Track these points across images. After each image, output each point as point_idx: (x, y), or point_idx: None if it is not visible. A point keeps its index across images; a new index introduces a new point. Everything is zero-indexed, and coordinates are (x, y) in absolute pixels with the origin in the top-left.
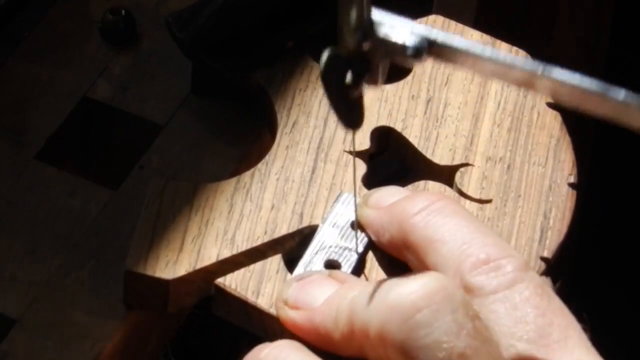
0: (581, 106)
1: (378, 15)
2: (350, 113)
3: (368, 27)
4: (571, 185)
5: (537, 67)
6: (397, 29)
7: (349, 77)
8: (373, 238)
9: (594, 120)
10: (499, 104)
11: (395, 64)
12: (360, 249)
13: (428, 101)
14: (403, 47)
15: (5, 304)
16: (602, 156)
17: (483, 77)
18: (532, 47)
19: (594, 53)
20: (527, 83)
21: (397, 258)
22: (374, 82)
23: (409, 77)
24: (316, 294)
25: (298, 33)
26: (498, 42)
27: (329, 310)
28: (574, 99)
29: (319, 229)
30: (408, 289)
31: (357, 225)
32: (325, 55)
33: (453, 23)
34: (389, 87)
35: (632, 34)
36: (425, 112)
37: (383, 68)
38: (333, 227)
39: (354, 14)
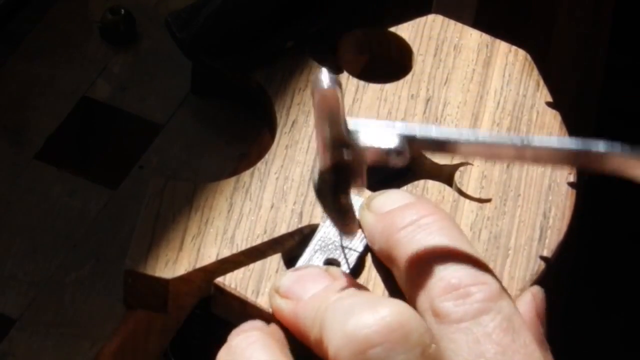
0: (568, 165)
1: (354, 124)
2: (346, 219)
3: (347, 139)
4: (571, 184)
5: (516, 140)
6: (375, 133)
7: (339, 186)
8: (368, 243)
9: (594, 120)
10: (498, 103)
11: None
12: (361, 249)
13: (427, 100)
14: (385, 151)
15: (5, 304)
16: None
17: (468, 159)
18: (532, 47)
19: (594, 53)
20: (511, 157)
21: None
22: (361, 185)
23: (409, 77)
24: (307, 286)
25: (298, 33)
26: (498, 41)
27: (310, 308)
28: (559, 161)
29: (320, 227)
30: (367, 321)
31: (347, 229)
32: (316, 173)
33: (452, 22)
34: (389, 87)
35: (632, 34)
36: (424, 112)
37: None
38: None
39: (331, 131)
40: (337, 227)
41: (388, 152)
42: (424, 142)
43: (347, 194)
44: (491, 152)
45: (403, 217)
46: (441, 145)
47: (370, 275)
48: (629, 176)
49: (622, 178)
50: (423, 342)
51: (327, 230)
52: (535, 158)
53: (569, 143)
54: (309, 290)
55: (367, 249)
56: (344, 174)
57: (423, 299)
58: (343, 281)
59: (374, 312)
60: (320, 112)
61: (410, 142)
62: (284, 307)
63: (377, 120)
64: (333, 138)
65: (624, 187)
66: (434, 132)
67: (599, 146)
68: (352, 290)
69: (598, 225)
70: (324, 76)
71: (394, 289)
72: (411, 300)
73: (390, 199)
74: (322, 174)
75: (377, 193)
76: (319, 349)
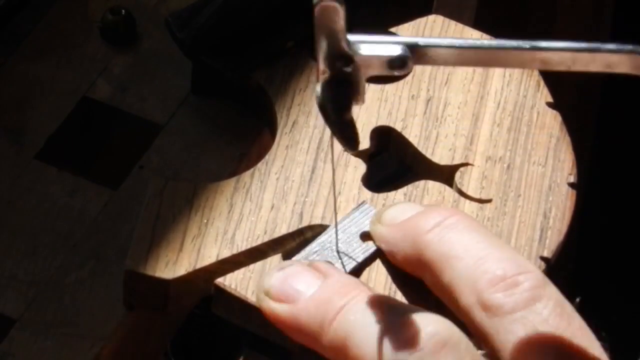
0: (579, 68)
1: (355, 37)
2: (348, 135)
3: (347, 51)
4: (571, 185)
5: (524, 44)
6: (376, 44)
7: (340, 100)
8: (387, 255)
9: (594, 120)
10: (498, 104)
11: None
12: (360, 259)
13: (428, 101)
14: (387, 60)
15: (5, 304)
16: (602, 156)
17: (478, 67)
18: None
19: None
20: (519, 62)
21: (411, 275)
22: (361, 100)
23: (409, 77)
24: (300, 287)
25: (298, 33)
26: None
27: (315, 312)
28: (569, 64)
29: (327, 230)
30: (404, 346)
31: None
32: (318, 87)
33: (453, 23)
34: (389, 87)
35: (632, 33)
36: (425, 112)
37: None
38: (342, 232)
39: (330, 44)
40: (339, 142)
41: (390, 61)
42: (427, 50)
43: (349, 108)
44: (497, 57)
45: (427, 220)
46: (445, 54)
47: (371, 276)
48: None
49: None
50: (471, 351)
51: (333, 235)
52: (544, 61)
53: (579, 44)
54: (303, 290)
55: (369, 260)
56: (345, 88)
57: (468, 295)
58: (333, 273)
59: (415, 331)
60: (320, 25)
61: (413, 51)
62: (280, 310)
63: (378, 35)
64: (332, 50)
65: (624, 188)
66: (437, 40)
67: (610, 46)
68: (354, 291)
69: (599, 225)
70: None
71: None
72: (451, 301)
73: (402, 209)
74: (324, 88)
75: (386, 207)
76: (336, 353)
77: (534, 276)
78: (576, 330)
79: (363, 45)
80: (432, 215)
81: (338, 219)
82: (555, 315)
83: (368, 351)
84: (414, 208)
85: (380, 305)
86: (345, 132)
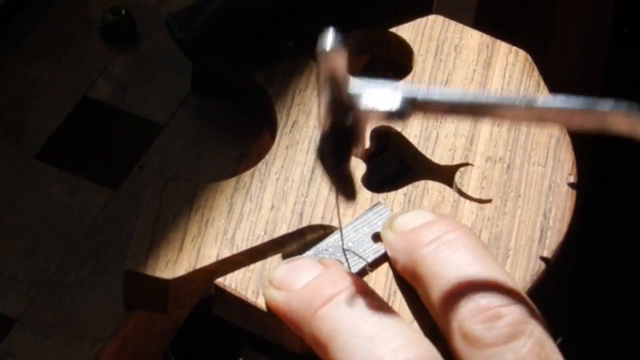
0: (575, 125)
1: (356, 86)
2: (346, 187)
3: (349, 103)
4: (571, 185)
5: (521, 101)
6: (376, 96)
7: (340, 152)
8: (390, 261)
9: None
10: None
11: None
12: (370, 259)
13: None
14: (386, 114)
15: (5, 304)
16: (602, 156)
17: (472, 121)
18: (532, 47)
19: (594, 53)
20: (514, 118)
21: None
22: (361, 152)
23: (409, 77)
24: (300, 276)
25: (298, 33)
26: (498, 42)
27: (305, 297)
28: (565, 121)
29: (334, 233)
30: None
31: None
32: (319, 139)
33: (453, 23)
34: None
35: (632, 33)
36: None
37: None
38: (355, 231)
39: (333, 94)
40: (337, 193)
41: (389, 114)
42: (425, 103)
43: (348, 160)
44: (494, 112)
45: (426, 234)
46: (443, 107)
47: (371, 276)
48: (635, 136)
49: (629, 138)
50: None
51: (345, 235)
52: (540, 118)
53: (575, 102)
54: (302, 278)
55: (378, 262)
56: (345, 140)
57: (451, 319)
58: (338, 269)
59: (395, 355)
60: (323, 74)
61: (412, 104)
62: (277, 297)
63: (379, 80)
64: (334, 101)
65: (624, 188)
66: (436, 93)
67: (606, 105)
68: (352, 295)
69: (598, 224)
70: (329, 37)
71: (418, 310)
72: (438, 320)
73: (412, 217)
74: (324, 139)
75: (398, 213)
76: (317, 348)
77: (517, 309)
78: None
79: (363, 96)
80: (432, 229)
81: (347, 220)
82: (534, 355)
83: (344, 353)
84: (424, 217)
85: (364, 307)
86: (343, 183)
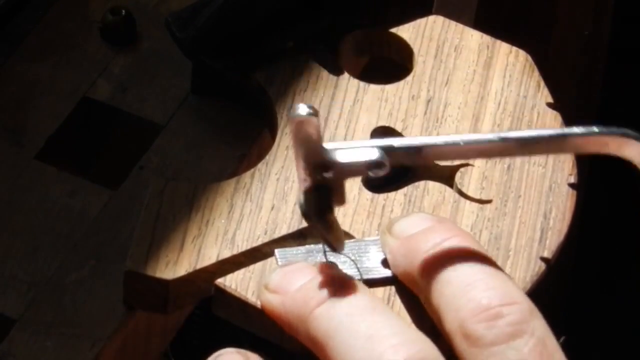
0: (556, 152)
1: (332, 146)
2: (332, 237)
3: (326, 161)
4: (571, 185)
5: (493, 137)
6: (353, 150)
7: (323, 207)
8: (390, 265)
9: (595, 120)
10: (499, 104)
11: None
12: (366, 277)
13: (428, 101)
14: (364, 165)
15: (5, 304)
16: (602, 156)
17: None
18: (532, 47)
19: (594, 53)
20: (492, 154)
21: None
22: (341, 202)
23: (409, 77)
24: (295, 279)
25: (298, 33)
26: (498, 42)
27: (300, 297)
28: (544, 150)
29: (361, 242)
30: None
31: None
32: (301, 197)
33: (453, 23)
34: (389, 87)
35: (632, 33)
36: (425, 112)
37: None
38: (358, 247)
39: (309, 157)
40: (328, 243)
41: (367, 165)
42: (402, 149)
43: (332, 210)
44: (472, 151)
45: (427, 240)
46: (420, 151)
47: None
48: (618, 155)
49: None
50: None
51: (360, 248)
52: (519, 151)
53: (545, 132)
54: (296, 282)
55: (385, 283)
56: (325, 193)
57: (452, 320)
58: (330, 272)
59: (395, 351)
60: (297, 139)
61: (389, 153)
62: (272, 300)
63: (353, 140)
64: (312, 163)
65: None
66: (411, 139)
67: (574, 130)
68: (349, 294)
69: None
70: (300, 106)
71: (417, 313)
72: (439, 324)
73: (412, 222)
74: (306, 197)
75: (398, 218)
76: (315, 348)
77: (519, 309)
78: None
79: (341, 152)
80: (433, 235)
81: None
82: (535, 354)
83: (343, 352)
84: (425, 221)
85: (362, 306)
86: (329, 234)
